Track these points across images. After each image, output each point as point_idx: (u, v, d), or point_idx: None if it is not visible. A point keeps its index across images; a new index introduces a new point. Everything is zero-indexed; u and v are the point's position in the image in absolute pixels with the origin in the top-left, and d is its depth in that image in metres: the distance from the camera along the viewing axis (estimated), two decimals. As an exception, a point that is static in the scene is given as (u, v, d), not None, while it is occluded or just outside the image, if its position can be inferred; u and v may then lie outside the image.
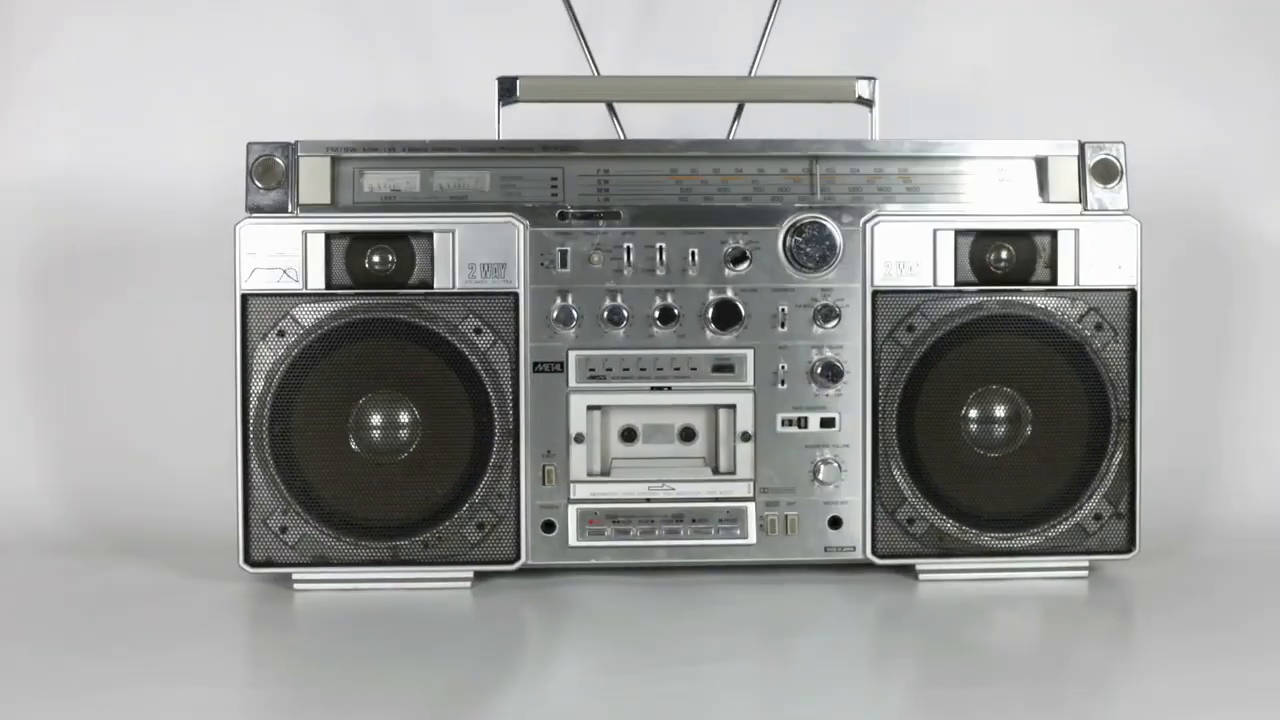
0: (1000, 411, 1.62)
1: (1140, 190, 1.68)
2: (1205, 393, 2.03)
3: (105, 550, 1.77)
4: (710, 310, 1.59)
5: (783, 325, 1.61)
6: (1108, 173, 1.64)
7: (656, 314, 1.59)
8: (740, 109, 1.75)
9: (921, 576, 1.62)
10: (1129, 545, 1.63)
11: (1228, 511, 1.93)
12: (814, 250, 1.60)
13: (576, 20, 1.76)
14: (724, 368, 1.61)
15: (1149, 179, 1.75)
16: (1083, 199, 1.63)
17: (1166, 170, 1.94)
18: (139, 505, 1.88)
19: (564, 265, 1.59)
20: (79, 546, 1.80)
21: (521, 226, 1.58)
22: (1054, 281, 1.62)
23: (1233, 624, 1.50)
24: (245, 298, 1.56)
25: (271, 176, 1.58)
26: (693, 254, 1.60)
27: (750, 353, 1.61)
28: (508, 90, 1.66)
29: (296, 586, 1.59)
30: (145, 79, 1.99)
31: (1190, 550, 1.79)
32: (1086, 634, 1.48)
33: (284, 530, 1.57)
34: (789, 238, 1.60)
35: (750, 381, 1.61)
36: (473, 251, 1.58)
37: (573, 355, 1.60)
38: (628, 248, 1.59)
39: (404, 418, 1.58)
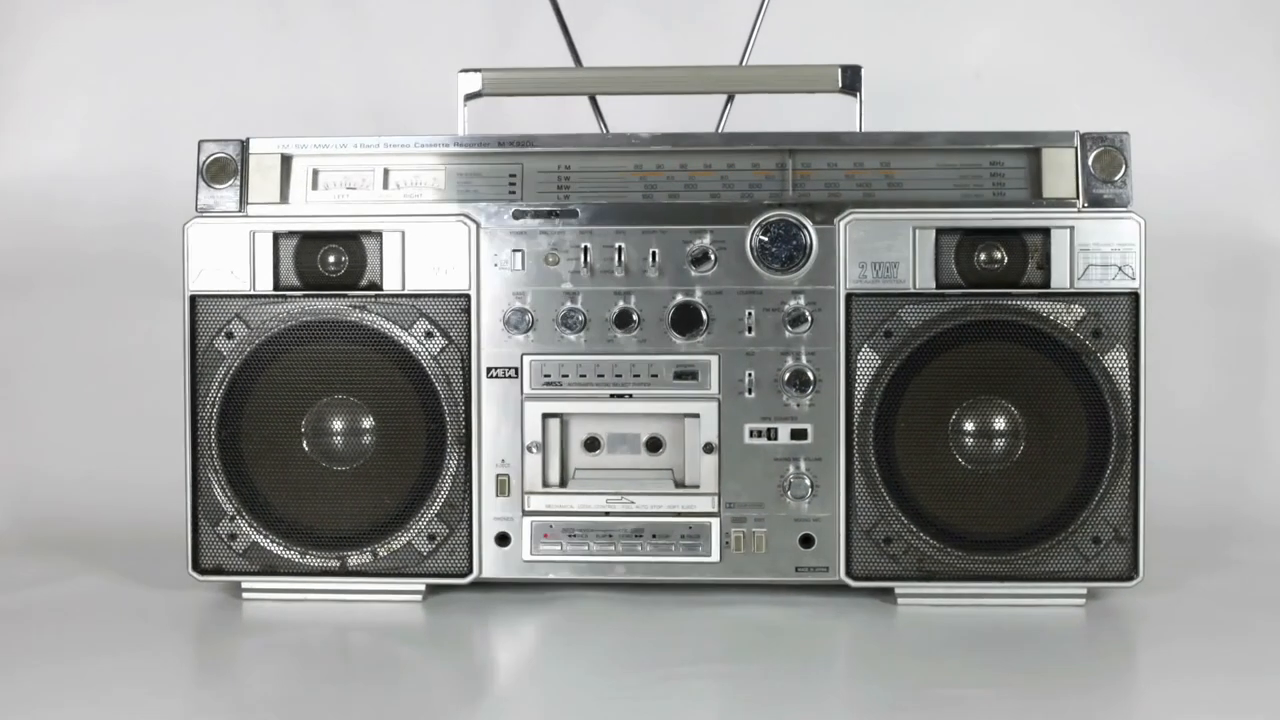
0: (987, 424, 1.51)
1: (1168, 187, 1.55)
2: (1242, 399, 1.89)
3: (53, 555, 1.75)
4: (671, 314, 1.52)
5: (750, 330, 1.52)
6: (1110, 166, 1.51)
7: (615, 317, 1.52)
8: (730, 100, 1.66)
9: (900, 601, 1.52)
10: (1131, 571, 1.51)
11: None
12: (780, 250, 1.51)
13: (559, 10, 1.69)
14: (686, 374, 1.53)
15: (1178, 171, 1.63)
16: (1081, 194, 1.51)
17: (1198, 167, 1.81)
18: (90, 508, 1.86)
19: (519, 266, 1.52)
20: (26, 549, 1.79)
21: (474, 226, 1.52)
22: (1047, 284, 1.50)
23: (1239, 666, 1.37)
24: (193, 299, 1.53)
25: (224, 175, 1.55)
26: (653, 254, 1.52)
27: (714, 359, 1.53)
28: (470, 85, 1.59)
29: (245, 596, 1.56)
30: (80, 77, 1.99)
31: (1208, 569, 1.66)
32: (1076, 669, 1.37)
33: (233, 537, 1.54)
34: (755, 237, 1.51)
35: (715, 389, 1.53)
36: (423, 252, 1.52)
37: (527, 360, 1.53)
38: (585, 248, 1.52)
39: (354, 424, 1.53)
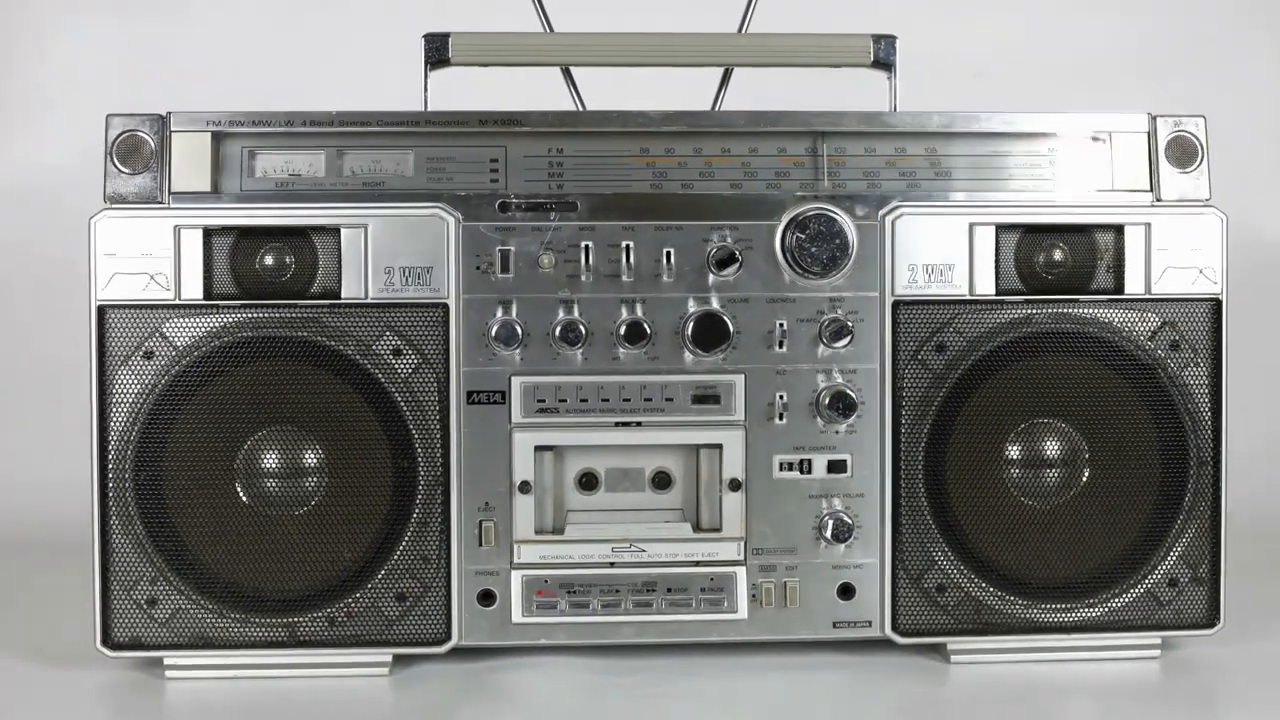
0: (1052, 451, 1.36)
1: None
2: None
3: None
4: (689, 326, 1.32)
5: (781, 345, 1.34)
6: (1184, 153, 1.36)
7: (622, 331, 1.32)
8: (727, 75, 1.46)
9: (954, 658, 1.37)
10: (1211, 618, 1.37)
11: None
12: (820, 250, 1.32)
13: (528, -33, 1.45)
14: (707, 398, 1.34)
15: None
16: (1154, 186, 1.35)
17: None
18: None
19: (506, 269, 1.33)
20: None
21: (452, 221, 1.32)
22: (1119, 290, 1.35)
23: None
24: (102, 310, 1.30)
25: (138, 158, 1.32)
26: (668, 255, 1.33)
27: (740, 379, 1.34)
28: (437, 50, 1.37)
29: (169, 674, 1.33)
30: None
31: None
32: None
33: (153, 603, 1.32)
34: (789, 234, 1.32)
35: (740, 415, 1.34)
36: (391, 252, 1.32)
37: (517, 382, 1.33)
38: (586, 247, 1.32)
39: (305, 462, 1.33)
